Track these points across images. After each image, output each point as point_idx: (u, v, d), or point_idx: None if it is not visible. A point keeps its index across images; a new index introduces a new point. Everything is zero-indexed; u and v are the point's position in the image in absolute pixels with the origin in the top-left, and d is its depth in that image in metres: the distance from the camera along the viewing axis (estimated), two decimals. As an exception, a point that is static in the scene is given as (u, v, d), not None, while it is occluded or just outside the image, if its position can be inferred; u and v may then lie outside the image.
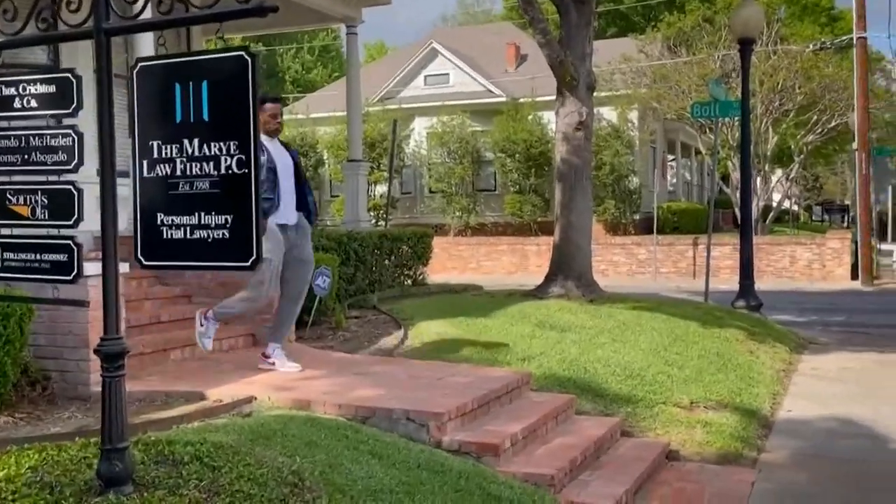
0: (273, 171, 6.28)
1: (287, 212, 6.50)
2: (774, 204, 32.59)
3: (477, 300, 10.66)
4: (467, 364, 7.05)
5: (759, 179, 27.53)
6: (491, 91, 29.66)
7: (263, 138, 6.13)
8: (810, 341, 11.68)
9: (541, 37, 10.33)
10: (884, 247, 32.16)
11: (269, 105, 6.38)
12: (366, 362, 6.98)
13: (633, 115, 27.74)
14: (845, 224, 44.48)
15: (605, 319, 9.27)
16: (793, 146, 28.23)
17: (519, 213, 27.51)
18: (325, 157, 30.03)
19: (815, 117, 26.40)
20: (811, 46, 25.99)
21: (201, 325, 6.36)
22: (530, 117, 27.46)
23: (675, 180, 35.36)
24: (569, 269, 10.80)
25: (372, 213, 26.41)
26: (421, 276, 12.11)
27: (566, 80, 10.55)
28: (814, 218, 57.49)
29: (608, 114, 27.30)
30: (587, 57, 10.76)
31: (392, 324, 8.59)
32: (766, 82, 24.49)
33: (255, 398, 5.57)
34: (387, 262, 11.13)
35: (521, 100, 28.38)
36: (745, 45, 12.15)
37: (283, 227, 6.42)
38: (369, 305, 9.50)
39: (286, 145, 6.67)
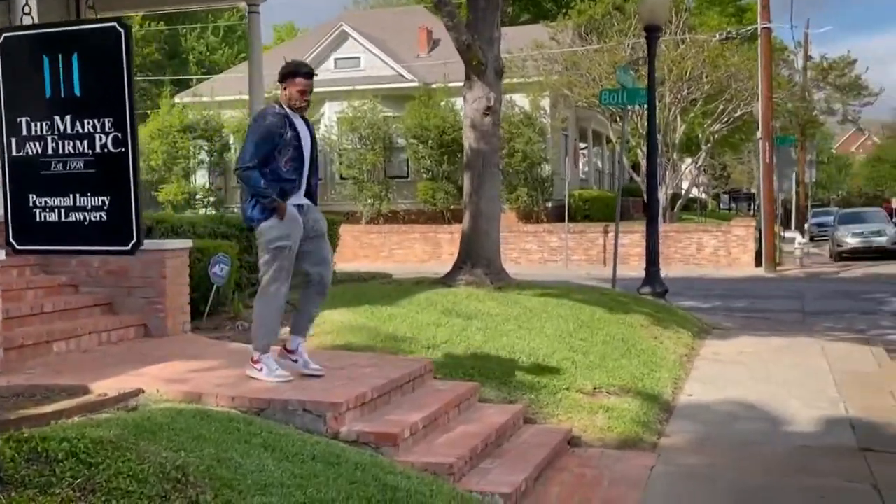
0: (299, 149, 5.60)
1: (301, 193, 5.77)
2: (683, 192, 33.35)
3: (384, 288, 10.51)
4: (370, 353, 6.91)
5: (667, 168, 28.08)
6: (403, 76, 29.44)
7: (290, 112, 5.60)
8: (713, 326, 11.92)
9: (448, 20, 10.21)
10: (787, 234, 33.32)
11: (299, 79, 5.60)
12: (264, 352, 6.75)
13: (545, 103, 27.93)
14: (751, 212, 45.90)
15: (512, 307, 9.25)
16: (700, 135, 28.88)
17: (432, 200, 27.42)
18: (231, 142, 29.33)
19: (722, 106, 27.04)
20: (718, 36, 26.60)
21: (260, 371, 5.59)
22: (443, 103, 27.36)
23: (587, 168, 35.83)
24: (477, 257, 10.74)
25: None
26: (328, 264, 11.85)
27: (474, 64, 10.46)
28: (721, 206, 59.17)
29: (520, 101, 27.42)
30: (495, 42, 10.69)
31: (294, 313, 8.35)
32: (674, 71, 24.96)
33: (143, 391, 5.32)
34: (292, 249, 10.84)
35: (434, 85, 28.25)
36: (652, 33, 12.29)
37: (299, 207, 5.67)
38: (272, 294, 9.22)
39: (305, 119, 5.87)
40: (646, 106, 13.85)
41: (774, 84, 25.95)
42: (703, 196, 55.91)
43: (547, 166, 27.96)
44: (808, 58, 34.81)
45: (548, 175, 27.96)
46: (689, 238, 25.20)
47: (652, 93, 12.77)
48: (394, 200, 28.82)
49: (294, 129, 5.55)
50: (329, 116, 29.67)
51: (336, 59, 30.89)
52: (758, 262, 23.70)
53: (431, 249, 25.92)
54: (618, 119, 27.69)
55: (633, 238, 23.28)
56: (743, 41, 28.60)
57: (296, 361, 5.80)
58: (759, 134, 23.94)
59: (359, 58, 30.54)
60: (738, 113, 27.24)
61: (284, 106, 5.60)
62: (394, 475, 4.51)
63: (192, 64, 47.26)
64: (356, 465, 4.47)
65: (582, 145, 35.20)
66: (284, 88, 5.62)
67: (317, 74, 6.45)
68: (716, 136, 28.76)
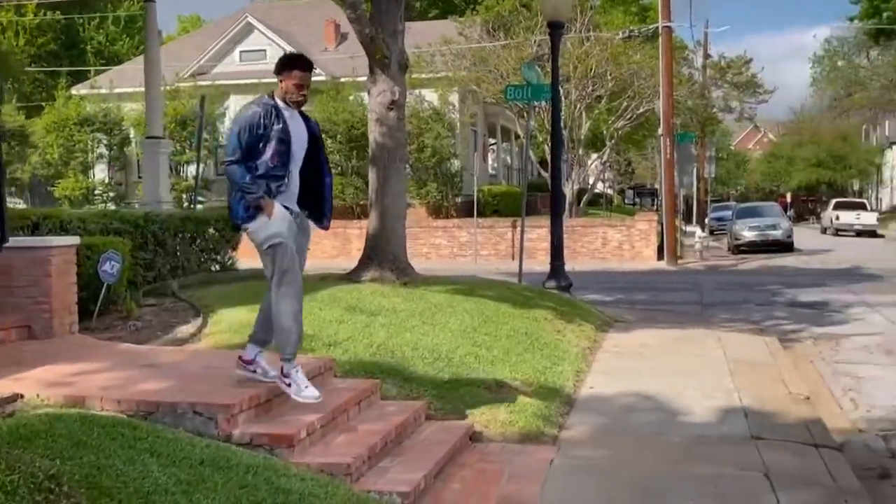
0: (286, 143, 5.20)
1: (292, 196, 5.34)
2: (589, 187, 33.92)
3: (287, 284, 10.27)
4: (268, 352, 6.72)
5: (573, 164, 28.49)
6: (311, 70, 29.00)
7: (281, 104, 5.27)
8: (616, 319, 12.11)
9: (351, 12, 10.05)
10: (688, 228, 34.27)
11: (296, 72, 5.26)
12: (155, 354, 6.50)
13: (454, 98, 27.99)
14: (655, 207, 47.03)
15: (417, 302, 9.17)
16: (605, 131, 29.41)
17: (341, 195, 27.16)
18: (131, 135, 28.40)
19: (626, 103, 27.59)
20: (621, 34, 27.12)
21: (288, 386, 5.25)
22: (351, 97, 27.13)
23: (496, 164, 36.10)
24: (383, 253, 10.62)
25: (184, 195, 25.26)
26: (230, 261, 11.58)
27: (378, 57, 10.33)
28: (626, 201, 60.55)
29: (429, 96, 27.41)
30: (399, 35, 10.58)
31: (191, 312, 8.10)
32: (578, 67, 25.32)
33: (22, 396, 5.03)
34: (192, 246, 10.53)
35: (342, 79, 27.98)
36: (556, 29, 12.39)
37: (286, 209, 5.28)
38: (168, 293, 8.93)
39: (305, 116, 5.48)
40: (551, 102, 13.96)
41: (675, 82, 26.62)
42: (609, 191, 57.14)
43: (456, 161, 28.03)
44: (707, 56, 35.85)
45: (457, 170, 28.04)
46: (595, 232, 25.64)
47: (556, 89, 12.89)
48: (301, 196, 28.36)
49: (283, 121, 5.19)
50: (235, 110, 29.01)
51: (241, 52, 30.26)
52: (660, 256, 24.28)
53: (341, 245, 25.67)
54: (525, 114, 27.98)
55: (540, 233, 23.49)
56: (645, 40, 29.23)
57: (254, 371, 5.45)
58: (660, 130, 24.51)
59: (264, 50, 29.98)
60: (641, 110, 27.85)
61: (278, 99, 5.28)
62: (287, 478, 4.37)
63: (90, 55, 45.58)
64: (248, 468, 4.33)
65: (491, 141, 35.44)
66: (281, 81, 5.31)
67: (315, 68, 6.13)
68: (620, 132, 29.33)
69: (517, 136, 35.38)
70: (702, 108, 32.70)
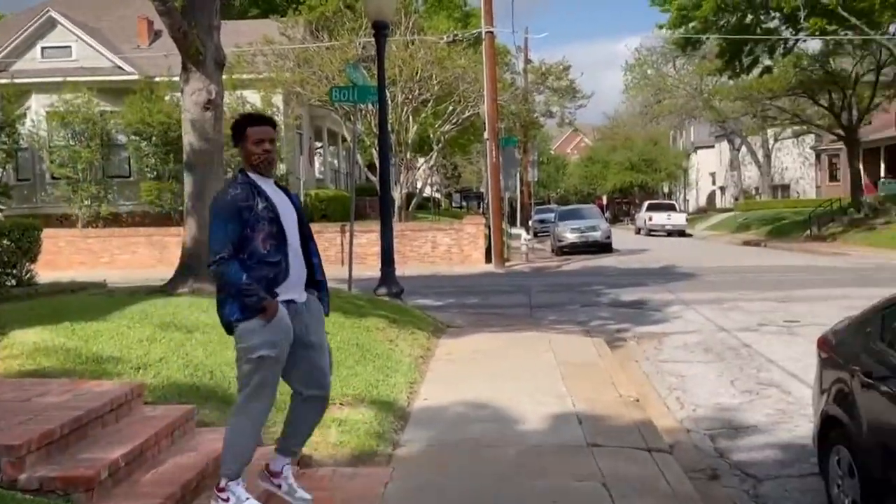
0: (276, 222, 4.38)
1: (296, 283, 4.53)
2: (418, 191, 33.96)
3: (94, 301, 9.40)
4: (66, 379, 5.99)
5: (402, 167, 28.38)
6: (121, 68, 27.38)
7: (254, 177, 4.44)
8: (448, 325, 11.96)
9: (159, 4, 9.30)
10: (514, 231, 34.97)
11: (252, 129, 4.45)
12: (-73, 387, 5.63)
13: (278, 100, 27.19)
14: (481, 210, 47.88)
15: (239, 315, 8.58)
16: (432, 135, 29.49)
17: (157, 201, 25.72)
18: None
19: (451, 107, 27.77)
20: (446, 38, 27.27)
21: (227, 501, 4.44)
22: (167, 97, 25.75)
23: (323, 168, 35.47)
24: (201, 264, 9.91)
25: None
26: (28, 276, 10.50)
27: (191, 54, 9.64)
28: (454, 204, 61.41)
29: (252, 97, 26.48)
30: (214, 30, 9.93)
31: (-23, 334, 7.16)
32: (404, 70, 25.22)
33: None
34: (-18, 259, 9.44)
35: (157, 78, 26.52)
36: (380, 29, 12.10)
37: (289, 304, 4.46)
38: (-49, 313, 7.90)
39: (284, 188, 4.67)
40: (377, 104, 13.65)
41: (499, 86, 27.05)
42: (437, 195, 57.76)
43: (282, 165, 27.21)
44: (528, 62, 36.80)
45: (283, 174, 27.22)
46: (424, 236, 25.60)
47: (383, 90, 12.60)
48: (115, 202, 26.73)
49: (265, 197, 4.39)
50: (36, 110, 26.93)
51: (43, 48, 28.10)
52: (488, 259, 24.55)
53: (159, 254, 24.25)
54: (352, 118, 27.60)
55: (370, 237, 23.16)
56: (469, 45, 29.58)
57: (279, 486, 4.68)
58: (486, 134, 24.80)
59: (70, 47, 27.98)
60: (467, 114, 28.12)
61: (248, 172, 4.47)
62: (83, 530, 3.79)
63: None
64: (34, 521, 3.71)
65: (318, 144, 34.78)
66: (241, 150, 4.53)
67: (277, 123, 5.04)
68: (446, 136, 29.51)
69: (344, 140, 34.92)
70: (525, 112, 33.50)
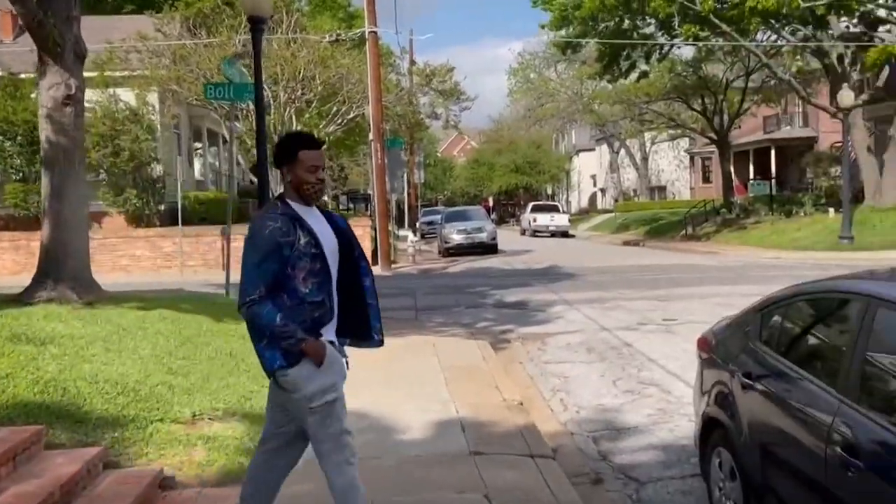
0: (320, 258, 3.85)
1: (333, 323, 4.01)
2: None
3: (-63, 311, 8.61)
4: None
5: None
6: (-17, 63, 25.71)
7: (296, 206, 3.86)
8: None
9: (11, -10, 8.63)
10: (401, 233, 34.78)
11: (304, 154, 3.87)
12: None
13: (153, 98, 26.09)
14: (368, 212, 47.55)
15: (102, 325, 8.02)
16: (317, 136, 28.92)
17: (24, 204, 24.24)
18: None
19: (336, 108, 27.29)
20: (328, 37, 26.78)
21: None
22: (33, 95, 24.26)
23: (204, 169, 34.34)
24: (61, 269, 9.27)
25: None
26: None
27: (49, 45, 8.98)
28: (341, 206, 60.76)
29: (125, 95, 25.31)
30: (74, 21, 9.28)
31: None
32: (286, 69, 24.63)
33: None
34: None
35: (22, 75, 24.99)
36: (256, 24, 11.62)
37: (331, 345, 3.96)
38: None
39: (327, 212, 4.14)
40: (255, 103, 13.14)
41: (383, 88, 26.78)
42: (325, 197, 56.91)
43: (158, 166, 26.15)
44: (412, 63, 36.66)
45: (159, 176, 26.16)
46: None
47: (259, 88, 12.12)
48: (-25, 205, 25.04)
49: (307, 230, 3.83)
50: None
51: None
52: (374, 261, 24.21)
53: (25, 259, 22.83)
54: (231, 116, 26.77)
55: (251, 241, 22.48)
56: (354, 45, 29.17)
57: None
58: (371, 136, 24.47)
59: (-79, 40, 26.09)
60: (352, 115, 27.72)
61: (290, 200, 3.90)
62: None
63: None
64: None
65: (197, 145, 33.63)
66: (284, 172, 3.92)
67: (324, 142, 4.35)
68: (331, 137, 29.00)
69: (226, 141, 33.86)
70: (410, 113, 33.32)
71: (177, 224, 23.60)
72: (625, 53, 31.86)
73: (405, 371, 8.58)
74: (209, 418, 6.21)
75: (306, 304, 3.82)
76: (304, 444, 4.15)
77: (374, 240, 24.52)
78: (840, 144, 28.98)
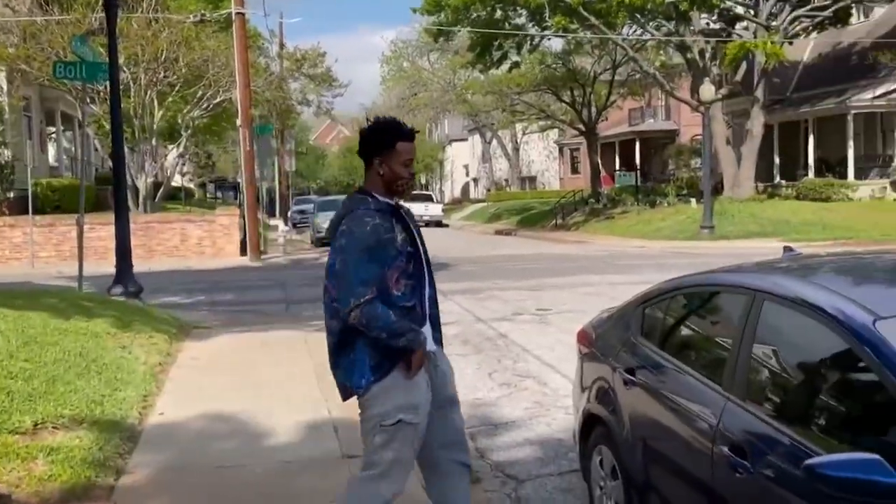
0: (415, 257, 3.49)
1: (428, 330, 3.62)
2: (166, 180, 31.93)
3: None
4: None
5: (147, 155, 26.46)
6: None
7: (385, 200, 3.49)
8: (195, 325, 11.02)
9: None
10: (272, 222, 33.89)
11: (402, 144, 3.48)
12: None
13: (1, 78, 24.31)
14: (238, 201, 46.29)
15: (-69, 325, 7.24)
16: (181, 121, 27.73)
17: None
18: None
19: (201, 92, 26.26)
20: (192, 17, 25.66)
21: None
22: None
23: (58, 154, 32.39)
24: None
25: None
26: None
27: None
28: (208, 195, 58.89)
29: (-33, 74, 23.50)
30: None
31: None
32: (147, 50, 23.44)
33: None
34: None
35: None
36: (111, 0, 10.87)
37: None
38: None
39: (407, 211, 3.70)
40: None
41: (252, 71, 25.91)
42: (190, 185, 55.06)
43: (6, 151, 24.43)
44: (282, 46, 35.76)
45: (7, 161, 24.44)
46: (173, 229, 24.04)
47: (114, 68, 11.36)
48: None
49: (404, 226, 3.46)
50: None
51: None
52: (243, 252, 23.46)
53: None
54: (89, 100, 25.27)
55: (111, 230, 21.03)
56: (220, 27, 28.11)
57: None
58: (239, 121, 23.62)
59: None
60: (218, 99, 26.72)
61: (378, 195, 3.48)
62: None
63: None
64: None
65: (51, 129, 31.67)
66: (376, 164, 3.49)
67: (418, 131, 3.82)
68: (196, 122, 27.89)
69: (81, 125, 32.04)
70: (280, 99, 32.47)
71: (27, 212, 22.09)
72: (497, 43, 32.05)
73: (275, 369, 8.16)
74: (53, 427, 5.63)
75: (397, 308, 3.45)
76: (453, 412, 3.77)
77: (243, 229, 23.71)
78: (700, 137, 30.15)
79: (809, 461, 2.57)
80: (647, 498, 3.87)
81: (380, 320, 3.37)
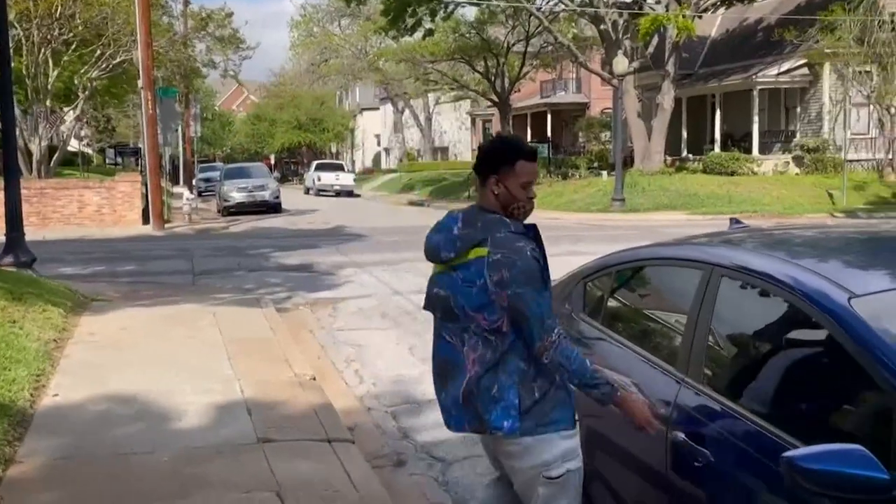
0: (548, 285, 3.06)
1: None
2: (62, 145, 30.30)
3: None
4: None
5: (41, 118, 25.00)
6: None
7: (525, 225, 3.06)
8: (93, 298, 10.33)
9: None
10: (176, 190, 32.63)
11: (524, 165, 3.05)
12: None
13: None
14: (140, 168, 44.56)
15: None
16: (78, 82, 26.25)
17: None
18: None
19: (100, 51, 24.89)
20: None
21: None
22: None
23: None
24: None
25: None
26: None
27: None
28: (108, 161, 56.56)
29: None
30: None
31: None
32: (40, 5, 22.02)
33: None
34: None
35: None
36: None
37: None
38: None
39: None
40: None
41: (154, 31, 24.69)
42: (88, 150, 52.69)
43: None
44: (187, 4, 34.26)
45: None
46: (70, 195, 22.85)
47: (3, 23, 10.46)
48: None
49: (542, 252, 3.05)
50: None
51: None
52: (146, 220, 22.45)
53: None
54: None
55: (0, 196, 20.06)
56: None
57: None
58: (140, 83, 22.47)
59: None
60: (118, 59, 25.40)
61: (504, 217, 3.05)
62: None
63: None
64: None
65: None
66: (491, 182, 3.05)
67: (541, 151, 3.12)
68: (94, 83, 26.45)
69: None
70: (185, 60, 31.13)
71: None
72: (410, 10, 31.45)
73: (181, 346, 7.65)
74: (-70, 414, 5.06)
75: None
76: None
77: (146, 197, 22.68)
78: (610, 110, 30.37)
79: (788, 453, 2.34)
80: (591, 485, 3.63)
81: (575, 363, 2.98)
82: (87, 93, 26.36)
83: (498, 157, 3.14)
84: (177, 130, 28.92)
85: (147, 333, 8.22)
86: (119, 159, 57.68)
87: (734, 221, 4.07)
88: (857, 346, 2.47)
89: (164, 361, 7.02)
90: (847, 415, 2.62)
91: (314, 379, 6.77)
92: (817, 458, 2.27)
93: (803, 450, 2.34)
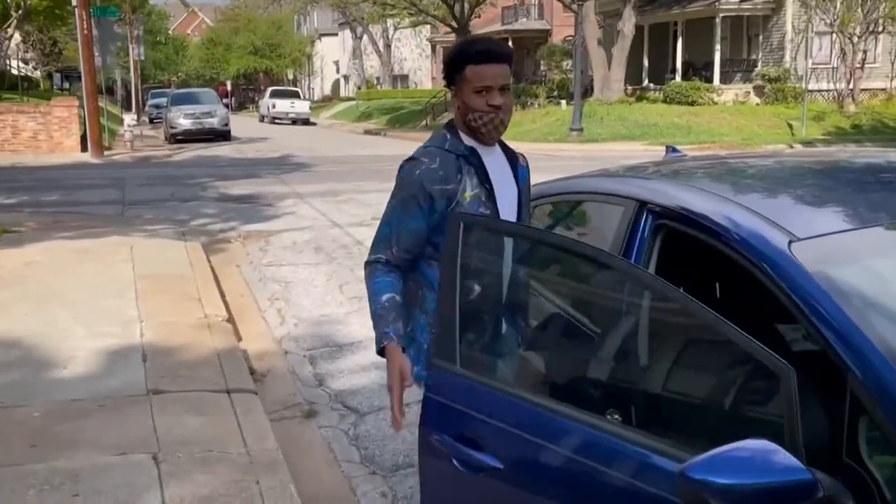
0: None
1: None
2: (6, 69, 28.87)
3: None
4: None
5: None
6: None
7: (470, 141, 2.60)
8: (7, 229, 9.64)
9: None
10: (125, 116, 31.35)
11: (474, 70, 2.54)
12: None
13: None
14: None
15: None
16: (10, 1, 24.82)
17: None
18: None
19: (32, -32, 23.48)
20: None
21: None
22: None
23: None
24: None
25: None
26: None
27: None
28: (55, 86, 54.58)
29: None
30: None
31: None
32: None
33: None
34: None
35: None
36: None
37: None
38: None
39: (512, 153, 2.77)
40: None
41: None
42: (36, 74, 50.68)
43: None
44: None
45: None
46: (3, 120, 21.77)
47: None
48: None
49: (481, 180, 2.60)
50: None
51: None
52: (84, 147, 21.45)
53: None
54: None
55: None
56: None
57: None
58: (75, 2, 21.19)
59: None
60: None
61: (460, 132, 2.64)
62: None
63: None
64: None
65: None
66: (454, 95, 2.64)
67: (511, 51, 2.72)
68: (30, 4, 25.01)
69: None
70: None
71: None
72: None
73: (87, 283, 7.05)
74: None
75: (433, 290, 2.61)
76: None
77: (83, 123, 21.64)
78: (572, 38, 29.55)
79: (682, 466, 1.69)
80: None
81: (369, 289, 2.58)
82: (20, 12, 24.94)
83: (448, 66, 2.69)
84: (119, 53, 27.61)
85: (54, 269, 7.60)
86: (67, 84, 55.66)
87: (670, 149, 3.55)
88: (793, 300, 1.97)
89: (63, 300, 6.43)
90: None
91: (228, 320, 6.25)
92: (710, 467, 1.68)
93: (698, 458, 1.74)
